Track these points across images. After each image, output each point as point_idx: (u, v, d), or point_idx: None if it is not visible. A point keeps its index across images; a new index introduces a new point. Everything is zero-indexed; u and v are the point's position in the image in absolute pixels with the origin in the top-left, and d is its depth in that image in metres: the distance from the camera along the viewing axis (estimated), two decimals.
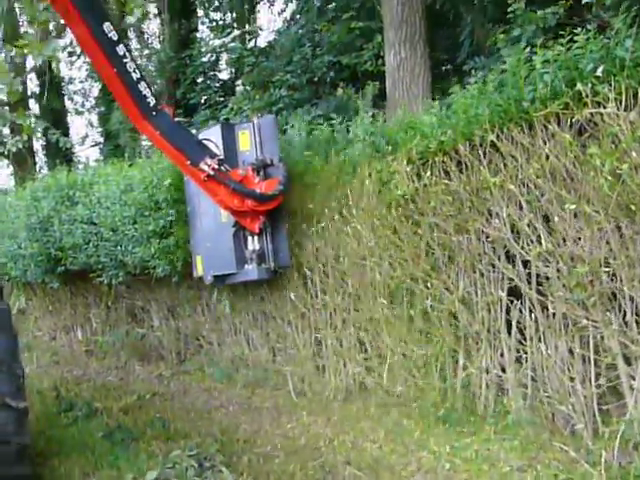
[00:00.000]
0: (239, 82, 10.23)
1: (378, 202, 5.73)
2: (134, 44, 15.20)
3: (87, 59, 20.75)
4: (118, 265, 8.33)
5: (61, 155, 16.52)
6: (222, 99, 11.75)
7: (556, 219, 4.35)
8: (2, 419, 4.38)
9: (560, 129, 4.27)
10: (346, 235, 6.06)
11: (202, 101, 12.68)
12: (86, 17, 5.30)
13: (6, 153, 10.73)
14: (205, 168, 6.01)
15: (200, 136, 6.64)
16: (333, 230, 6.23)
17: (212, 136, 6.55)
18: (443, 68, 8.96)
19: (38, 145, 19.98)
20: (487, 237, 4.99)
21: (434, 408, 5.49)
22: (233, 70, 12.43)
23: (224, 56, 12.72)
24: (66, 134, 18.28)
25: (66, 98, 20.19)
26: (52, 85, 17.54)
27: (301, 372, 6.81)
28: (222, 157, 6.27)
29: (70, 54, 17.34)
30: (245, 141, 6.62)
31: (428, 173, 5.18)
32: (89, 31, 5.35)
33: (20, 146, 10.72)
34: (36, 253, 9.52)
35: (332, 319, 6.39)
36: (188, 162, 6.05)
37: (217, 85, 12.37)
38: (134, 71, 5.59)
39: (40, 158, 20.48)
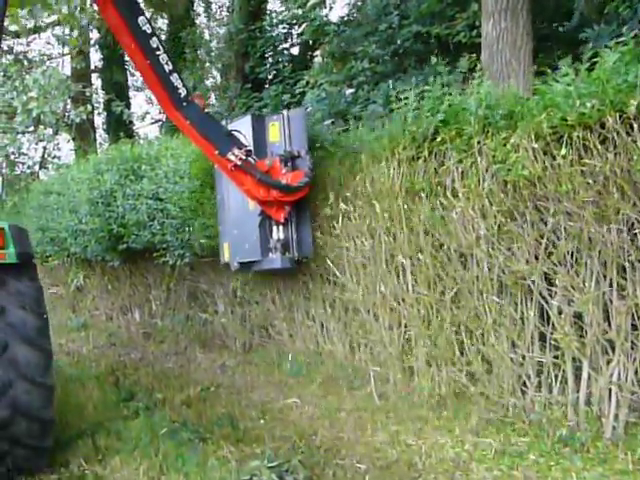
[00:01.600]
0: (317, 53, 9.54)
1: (491, 184, 4.93)
2: (202, 16, 14.59)
3: None
4: (185, 245, 7.75)
5: (122, 130, 16.11)
6: (293, 74, 11.01)
7: None
8: (30, 395, 4.46)
9: None
10: (449, 221, 5.28)
11: (271, 76, 11.99)
12: (122, 11, 5.53)
13: (69, 124, 10.21)
14: (232, 158, 6.17)
15: (230, 127, 6.70)
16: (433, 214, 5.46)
17: (243, 127, 6.63)
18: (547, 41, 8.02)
19: (99, 121, 19.72)
20: (633, 228, 4.16)
21: (552, 426, 4.69)
22: (306, 43, 11.69)
23: (296, 29, 11.96)
24: (128, 109, 17.97)
25: (128, 74, 19.86)
26: (115, 59, 17.20)
27: (385, 372, 6.09)
28: (250, 148, 6.37)
29: None
30: (275, 133, 6.72)
31: (562, 151, 4.35)
32: (124, 24, 5.57)
33: (84, 117, 10.26)
34: (97, 229, 9.02)
35: (427, 315, 5.63)
36: (216, 152, 6.23)
37: (288, 59, 11.64)
38: (167, 63, 5.79)
39: (100, 134, 20.25)
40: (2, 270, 4.53)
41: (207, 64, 12.42)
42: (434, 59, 7.87)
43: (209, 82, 12.90)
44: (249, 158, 6.28)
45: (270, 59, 12.12)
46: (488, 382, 5.19)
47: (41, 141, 18.29)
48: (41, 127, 11.04)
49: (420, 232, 5.57)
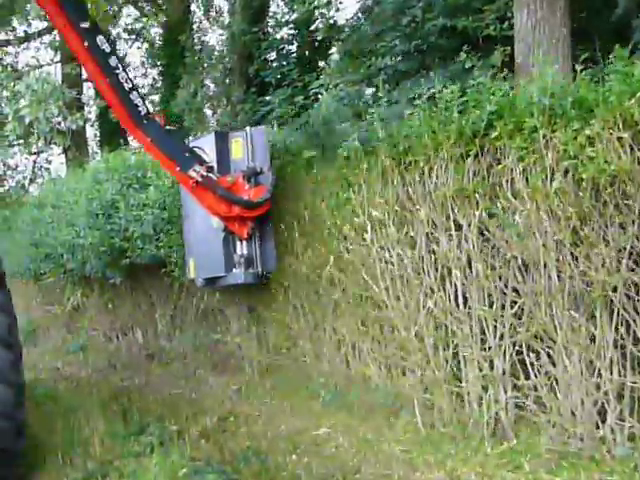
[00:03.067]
0: (332, 51, 8.92)
1: (562, 182, 4.29)
2: (201, 19, 13.95)
3: (144, 43, 19.94)
4: None
5: (117, 140, 15.42)
6: (302, 76, 10.38)
7: None
8: (1, 394, 4.52)
9: None
10: (508, 226, 4.64)
11: (276, 80, 11.35)
12: (79, 30, 5.57)
13: (64, 131, 9.53)
14: (193, 175, 6.21)
15: (193, 144, 6.87)
16: (488, 219, 4.82)
17: (207, 144, 6.75)
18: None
19: (90, 132, 19.02)
20: None
21: None
22: (313, 44, 11.07)
23: (303, 30, 11.35)
24: None
25: None
26: None
27: (430, 398, 5.41)
28: (211, 164, 6.45)
29: (129, 32, 16.28)
30: (238, 149, 6.79)
31: None
32: (83, 44, 5.61)
33: (80, 123, 9.60)
34: (97, 243, 8.32)
35: (481, 333, 4.97)
36: (177, 168, 6.25)
37: (295, 61, 11.01)
38: (126, 81, 5.86)
39: (91, 146, 19.53)
40: None
41: (208, 68, 11.75)
42: (463, 55, 7.27)
43: (211, 87, 12.21)
44: (210, 174, 6.32)
45: (275, 62, 11.49)
46: (559, 408, 4.52)
47: (31, 154, 17.66)
48: (33, 137, 10.30)
49: (472, 239, 4.92)
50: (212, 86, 12.13)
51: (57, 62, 15.88)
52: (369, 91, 7.88)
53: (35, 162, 18.97)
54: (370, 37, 8.47)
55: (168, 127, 6.60)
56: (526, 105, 4.57)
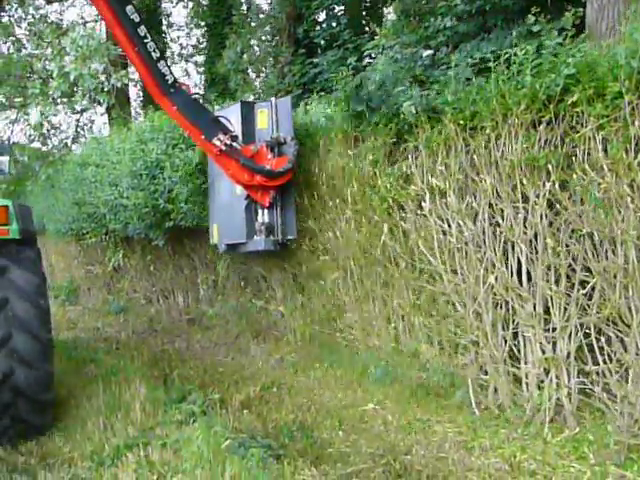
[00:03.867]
0: (388, 11, 8.49)
1: None
2: None
3: (189, 2, 19.62)
4: None
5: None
6: (351, 37, 9.98)
7: None
8: (31, 348, 4.83)
9: None
10: (592, 199, 4.28)
11: (324, 41, 10.97)
12: (110, 0, 5.74)
13: (108, 90, 9.31)
14: (217, 143, 6.34)
15: (218, 113, 6.97)
16: (560, 191, 4.47)
17: (232, 114, 6.83)
18: None
19: (132, 93, 18.84)
20: None
21: None
22: (369, 2, 10.65)
23: None
24: None
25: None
26: (153, 24, 16.31)
27: (486, 379, 5.13)
28: (235, 134, 6.53)
29: None
30: (263, 119, 6.90)
31: None
32: (113, 13, 5.78)
33: (125, 81, 9.37)
34: (141, 204, 8.15)
35: (545, 312, 4.66)
36: (202, 137, 6.41)
37: (346, 22, 10.58)
38: (154, 51, 5.98)
39: (134, 106, 19.38)
40: (6, 245, 5.02)
41: (255, 27, 11.39)
42: (530, 16, 6.79)
43: (257, 48, 11.85)
44: (234, 143, 6.42)
45: (325, 23, 11.08)
46: (629, 397, 4.21)
47: (75, 112, 17.56)
48: (77, 94, 10.11)
49: (541, 212, 4.58)
50: (258, 47, 11.77)
51: (102, 19, 15.66)
52: (426, 53, 7.45)
53: (78, 121, 18.95)
54: None
55: (194, 96, 6.68)
56: (610, 68, 4.18)
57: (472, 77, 5.34)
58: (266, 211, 6.71)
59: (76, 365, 7.46)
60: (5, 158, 6.42)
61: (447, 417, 5.10)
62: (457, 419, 5.03)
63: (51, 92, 10.38)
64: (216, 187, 7.29)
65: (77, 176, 10.37)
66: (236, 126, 6.69)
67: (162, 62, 6.10)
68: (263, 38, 11.29)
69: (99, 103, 12.44)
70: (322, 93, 8.24)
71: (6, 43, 14.31)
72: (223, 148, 6.34)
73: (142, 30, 5.90)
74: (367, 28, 10.80)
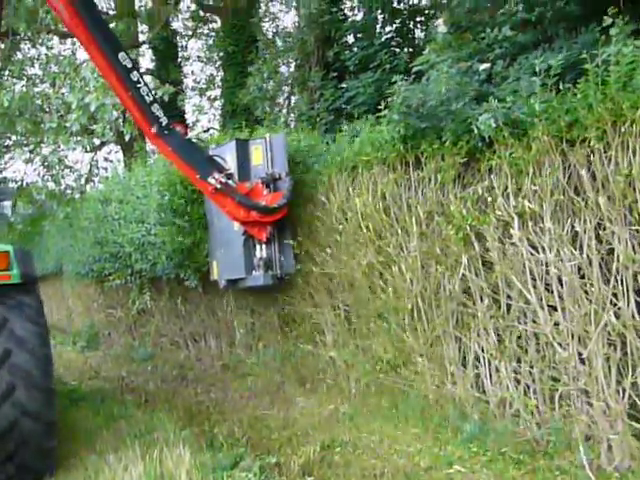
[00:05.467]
0: (437, 23, 7.84)
1: None
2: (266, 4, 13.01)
3: (201, 39, 19.23)
4: None
5: None
6: (389, 58, 9.33)
7: None
8: (33, 397, 4.88)
9: None
10: None
11: (355, 63, 10.31)
12: (103, 48, 5.89)
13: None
14: (212, 182, 6.46)
15: (213, 152, 7.08)
16: None
17: (228, 151, 6.96)
18: None
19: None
20: None
21: None
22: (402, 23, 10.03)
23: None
24: (182, 115, 16.56)
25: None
26: (170, 57, 15.90)
27: (600, 435, 4.32)
28: (231, 171, 6.69)
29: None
30: (258, 156, 6.98)
31: None
32: (106, 60, 5.95)
33: (171, 94, 8.86)
34: (170, 241, 7.42)
35: None
36: (197, 176, 6.54)
37: (382, 43, 9.93)
38: (147, 95, 6.17)
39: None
40: (8, 289, 5.05)
41: (282, 52, 10.80)
42: (606, 18, 6.11)
43: (284, 73, 11.25)
44: (229, 181, 6.54)
45: (356, 45, 10.46)
46: None
47: (91, 150, 17.01)
48: (99, 125, 9.52)
49: None
50: (286, 72, 11.16)
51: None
52: (482, 67, 6.77)
53: (92, 159, 18.40)
54: (481, 4, 7.38)
55: (188, 137, 6.82)
56: None
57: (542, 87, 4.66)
58: (264, 246, 6.79)
59: (105, 422, 6.67)
60: (8, 203, 6.05)
61: None
62: None
63: (69, 124, 9.83)
64: (215, 224, 7.38)
65: (98, 214, 9.72)
66: (232, 163, 6.81)
67: (155, 105, 6.25)
68: (292, 62, 10.67)
69: (121, 136, 11.88)
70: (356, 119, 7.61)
71: (21, 80, 13.80)
72: (218, 186, 6.44)
73: (135, 75, 6.09)
74: (401, 49, 10.21)
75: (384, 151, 5.86)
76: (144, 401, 7.77)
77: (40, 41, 15.15)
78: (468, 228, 5.03)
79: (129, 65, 6.04)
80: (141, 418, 6.68)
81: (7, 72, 12.43)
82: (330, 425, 6.01)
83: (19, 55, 14.56)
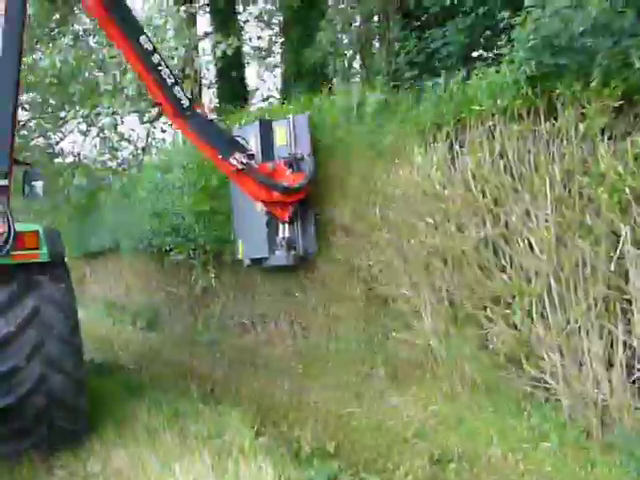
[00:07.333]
0: None
1: None
2: None
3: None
4: None
5: (237, 103, 13.76)
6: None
7: None
8: (62, 354, 5.14)
9: None
10: None
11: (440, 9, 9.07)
12: (125, 32, 6.00)
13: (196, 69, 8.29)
14: (234, 162, 6.54)
15: (236, 132, 7.22)
16: None
17: (251, 132, 7.08)
18: None
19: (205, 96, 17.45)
20: None
21: None
22: None
23: None
24: (242, 80, 15.67)
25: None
26: (229, 23, 14.92)
27: None
28: (252, 152, 6.76)
29: None
30: (282, 136, 7.03)
31: None
32: (128, 44, 6.06)
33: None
34: None
35: None
36: (219, 156, 6.61)
37: None
38: (169, 77, 6.28)
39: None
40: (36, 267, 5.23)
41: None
42: None
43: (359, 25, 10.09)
44: (251, 162, 6.61)
45: None
46: None
47: (144, 122, 16.29)
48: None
49: None
50: (361, 24, 10.00)
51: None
52: None
53: (149, 131, 17.71)
54: None
55: (210, 117, 6.83)
56: None
57: None
58: (287, 226, 6.88)
59: (174, 418, 5.78)
60: (39, 183, 5.97)
61: None
62: None
63: (125, 88, 9.04)
64: (239, 204, 7.43)
65: (157, 183, 8.87)
66: (255, 144, 6.90)
67: (177, 87, 6.33)
68: (367, 11, 9.49)
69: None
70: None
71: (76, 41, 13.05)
72: (239, 167, 6.51)
73: (156, 58, 6.15)
74: None
75: (505, 98, 4.76)
76: (210, 390, 6.92)
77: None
78: (627, 190, 3.93)
79: (150, 48, 6.12)
80: (209, 416, 5.78)
81: (61, 35, 11.64)
82: (436, 431, 5.02)
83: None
